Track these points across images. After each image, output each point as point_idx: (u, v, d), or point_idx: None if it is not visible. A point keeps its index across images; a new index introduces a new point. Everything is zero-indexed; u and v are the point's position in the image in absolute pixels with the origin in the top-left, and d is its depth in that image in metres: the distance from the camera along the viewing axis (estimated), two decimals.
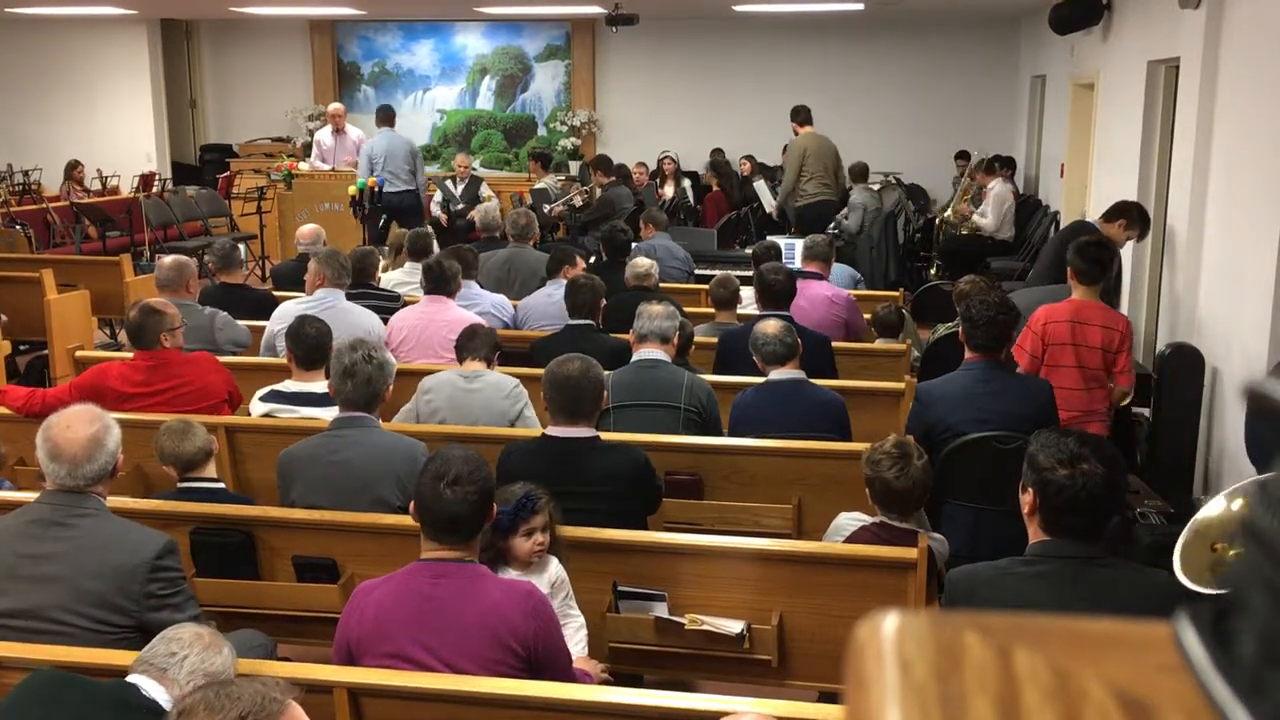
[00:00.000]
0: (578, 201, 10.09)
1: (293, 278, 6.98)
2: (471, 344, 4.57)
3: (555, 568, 3.12)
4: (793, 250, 7.86)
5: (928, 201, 12.63)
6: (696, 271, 8.22)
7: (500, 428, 4.36)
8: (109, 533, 2.94)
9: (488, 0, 12.24)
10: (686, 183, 12.11)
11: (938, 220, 11.06)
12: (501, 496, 2.96)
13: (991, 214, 10.23)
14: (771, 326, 4.46)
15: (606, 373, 3.91)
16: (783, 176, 10.35)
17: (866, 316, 6.42)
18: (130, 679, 2.36)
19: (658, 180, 11.80)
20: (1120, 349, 4.68)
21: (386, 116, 10.74)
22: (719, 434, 4.43)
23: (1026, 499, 2.63)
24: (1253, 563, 0.44)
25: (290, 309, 5.58)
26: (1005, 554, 2.71)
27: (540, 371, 3.84)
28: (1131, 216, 5.99)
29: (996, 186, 10.39)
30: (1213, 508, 2.70)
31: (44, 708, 2.30)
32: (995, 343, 4.16)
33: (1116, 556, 2.66)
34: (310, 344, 4.43)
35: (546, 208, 9.96)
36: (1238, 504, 2.71)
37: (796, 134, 9.93)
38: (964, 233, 10.50)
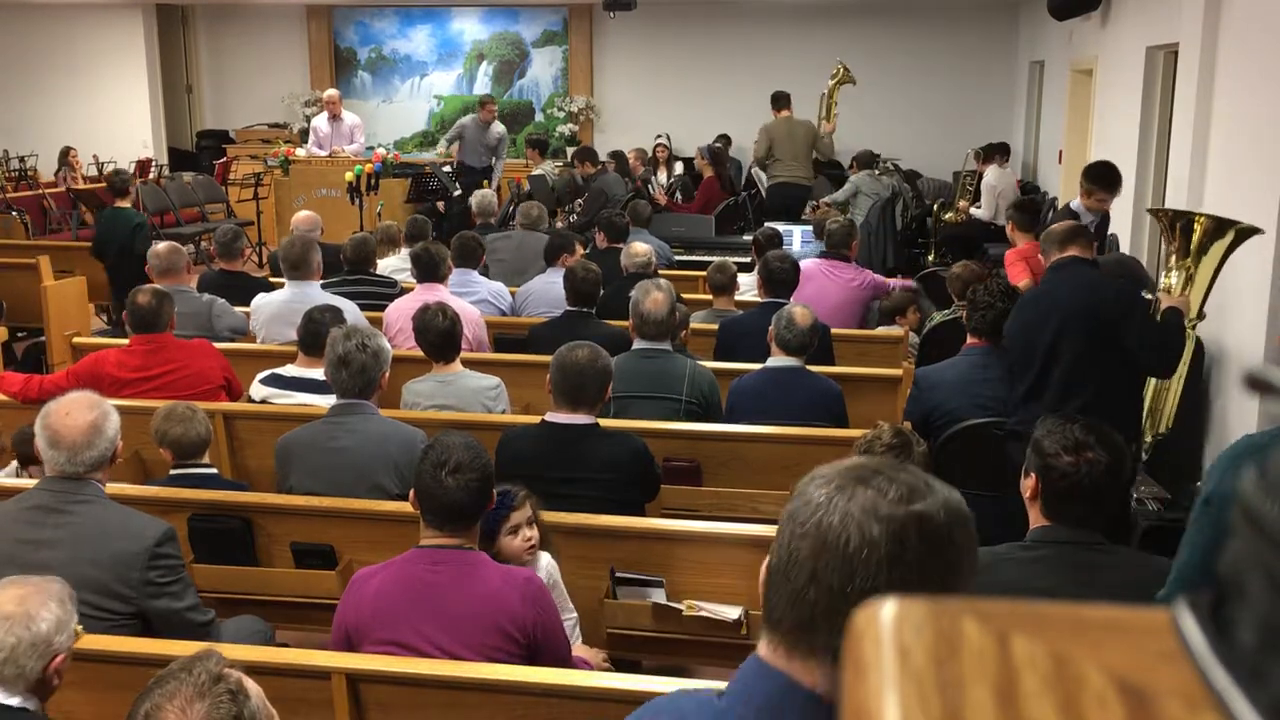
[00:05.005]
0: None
1: None
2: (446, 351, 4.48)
3: (546, 562, 3.07)
4: (791, 236, 7.86)
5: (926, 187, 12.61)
6: (695, 258, 8.21)
7: (498, 414, 4.35)
8: (108, 520, 2.94)
9: None
10: (679, 168, 12.09)
11: (934, 208, 11.04)
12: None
13: (985, 204, 10.23)
14: (805, 317, 4.34)
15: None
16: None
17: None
18: None
19: (652, 166, 11.79)
20: None
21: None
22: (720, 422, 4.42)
23: (1029, 484, 2.61)
24: (1252, 549, 0.44)
25: (262, 304, 5.60)
26: (1001, 540, 2.70)
27: (538, 359, 3.82)
28: (1096, 183, 5.75)
29: (989, 176, 10.37)
30: None
31: None
32: (995, 328, 4.16)
33: (1115, 543, 2.65)
34: (314, 329, 4.43)
35: None
36: None
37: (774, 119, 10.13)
38: (960, 220, 10.52)
